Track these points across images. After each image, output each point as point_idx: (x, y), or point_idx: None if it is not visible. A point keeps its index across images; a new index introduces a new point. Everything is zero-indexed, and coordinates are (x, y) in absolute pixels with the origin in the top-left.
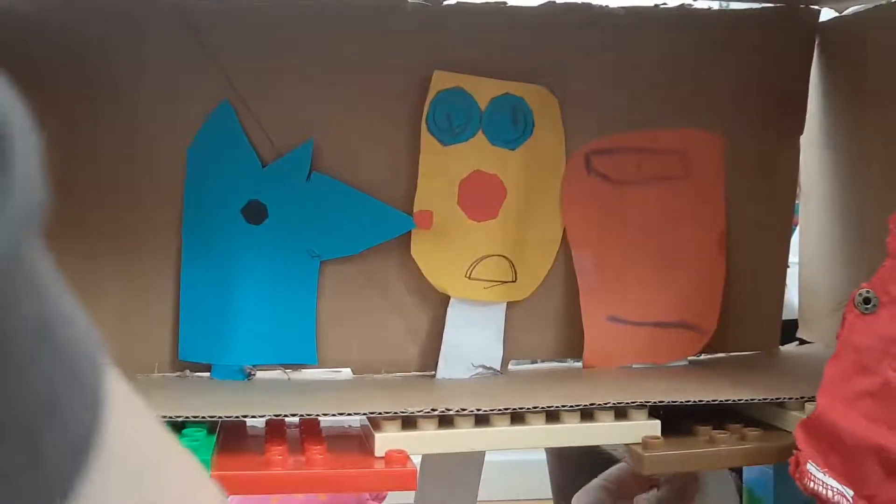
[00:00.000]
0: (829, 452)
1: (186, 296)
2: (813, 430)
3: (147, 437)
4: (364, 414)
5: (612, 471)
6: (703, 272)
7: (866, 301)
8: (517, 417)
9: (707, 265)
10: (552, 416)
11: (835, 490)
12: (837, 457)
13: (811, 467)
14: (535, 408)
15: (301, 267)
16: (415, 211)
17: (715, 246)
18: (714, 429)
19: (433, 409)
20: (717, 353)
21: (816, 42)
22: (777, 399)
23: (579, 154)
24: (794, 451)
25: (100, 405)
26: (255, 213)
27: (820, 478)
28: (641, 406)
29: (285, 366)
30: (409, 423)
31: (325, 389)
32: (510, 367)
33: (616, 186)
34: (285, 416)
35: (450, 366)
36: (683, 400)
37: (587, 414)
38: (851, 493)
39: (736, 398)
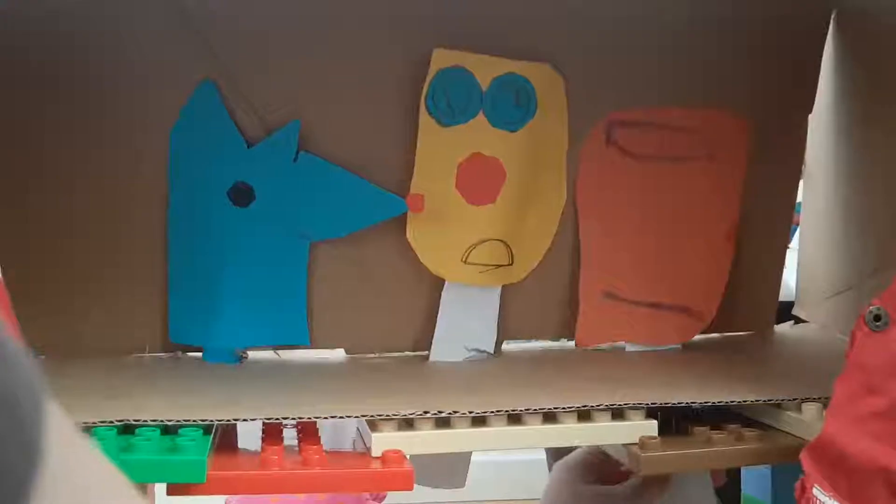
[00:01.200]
0: (835, 475)
1: (175, 278)
2: (819, 453)
3: (91, 476)
4: (360, 417)
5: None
6: (708, 260)
7: (877, 318)
8: (514, 418)
9: (713, 253)
10: (549, 416)
11: None
12: (844, 479)
13: (817, 492)
14: (531, 409)
15: (290, 248)
16: (408, 194)
17: (724, 236)
18: (711, 429)
19: (427, 412)
20: (710, 333)
21: (832, 21)
22: (775, 401)
23: (602, 124)
24: (800, 476)
25: (38, 448)
26: (241, 194)
27: (826, 502)
28: (638, 407)
29: (277, 347)
30: (405, 422)
31: (320, 380)
32: (504, 347)
33: (634, 160)
34: (281, 419)
35: (443, 349)
36: (681, 402)
37: (584, 414)
38: None
39: (734, 399)
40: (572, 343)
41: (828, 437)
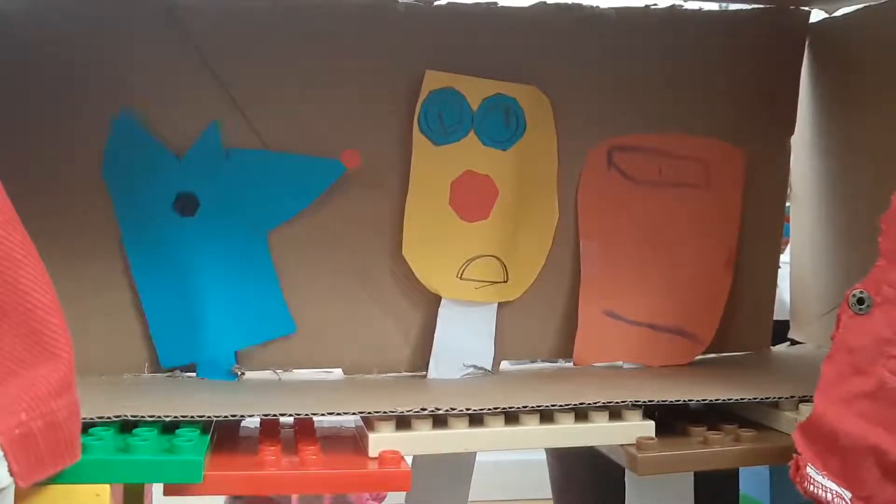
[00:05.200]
0: (827, 455)
1: (148, 304)
2: (811, 432)
3: None
4: (357, 413)
5: None
6: (706, 285)
7: (860, 301)
8: (511, 418)
9: (712, 279)
10: (546, 416)
11: (833, 492)
12: (835, 459)
13: (811, 470)
14: (525, 407)
15: (248, 243)
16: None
17: (722, 263)
18: (708, 430)
19: (423, 409)
20: (707, 353)
21: (807, 43)
22: (772, 399)
23: (601, 147)
24: (794, 455)
25: None
26: (186, 204)
27: (819, 480)
28: (636, 406)
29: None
30: (403, 423)
31: (318, 390)
32: (501, 367)
33: (634, 184)
34: (278, 415)
35: (441, 366)
36: (678, 399)
37: (581, 415)
38: (849, 494)
39: (730, 397)
40: (569, 364)
41: (818, 417)
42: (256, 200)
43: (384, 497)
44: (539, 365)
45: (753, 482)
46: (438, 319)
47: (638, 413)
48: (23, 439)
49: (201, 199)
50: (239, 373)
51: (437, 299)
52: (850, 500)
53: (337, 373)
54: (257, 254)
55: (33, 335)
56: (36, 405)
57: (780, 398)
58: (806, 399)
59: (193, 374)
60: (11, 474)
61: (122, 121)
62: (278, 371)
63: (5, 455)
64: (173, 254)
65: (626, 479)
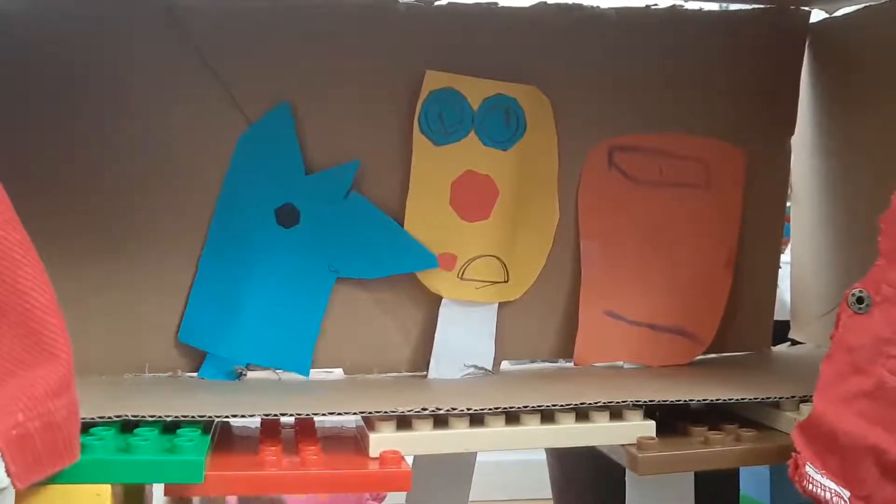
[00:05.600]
0: (826, 454)
1: (201, 279)
2: (810, 431)
3: None
4: (357, 413)
5: None
6: (707, 285)
7: (859, 301)
8: (512, 418)
9: (712, 280)
10: (547, 417)
11: (832, 491)
12: (834, 458)
13: (810, 469)
14: (526, 407)
15: (318, 279)
16: (438, 253)
17: (723, 263)
18: (709, 430)
19: (424, 409)
20: (708, 353)
21: (807, 43)
22: (772, 398)
23: (602, 147)
24: (793, 454)
25: None
26: (288, 216)
27: (818, 479)
28: (636, 406)
29: (275, 370)
30: (404, 423)
31: (318, 390)
32: (502, 367)
33: (635, 184)
34: (279, 415)
35: (442, 366)
36: (679, 399)
37: (582, 415)
38: (848, 493)
39: (731, 397)
40: (570, 364)
41: (817, 416)
42: (350, 249)
43: (384, 497)
44: (539, 365)
45: (753, 482)
46: (439, 319)
47: (639, 413)
48: (20, 440)
49: (303, 219)
50: (241, 372)
51: (437, 299)
52: (849, 499)
53: (337, 373)
54: (319, 293)
55: (32, 335)
56: (33, 406)
57: (780, 398)
58: (806, 399)
59: (194, 375)
60: (9, 475)
61: (281, 108)
62: (278, 371)
63: (3, 456)
64: (250, 250)
65: (626, 479)
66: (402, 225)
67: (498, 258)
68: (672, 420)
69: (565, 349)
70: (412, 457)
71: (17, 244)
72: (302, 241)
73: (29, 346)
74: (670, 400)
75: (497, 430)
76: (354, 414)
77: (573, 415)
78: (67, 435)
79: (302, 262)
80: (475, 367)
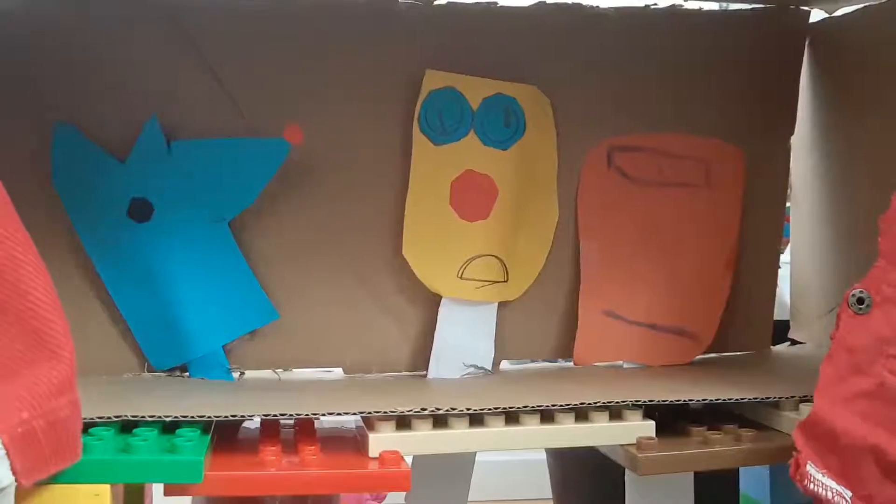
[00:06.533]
0: (827, 453)
1: (126, 311)
2: (811, 431)
3: None
4: (357, 413)
5: None
6: (707, 285)
7: (860, 301)
8: (511, 418)
9: (712, 280)
10: (546, 417)
11: (834, 491)
12: (835, 458)
13: (811, 468)
14: (526, 407)
15: (211, 236)
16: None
17: (722, 263)
18: (708, 430)
19: (423, 409)
20: (708, 353)
21: (807, 43)
22: (772, 398)
23: (601, 147)
24: (794, 453)
25: None
26: (140, 209)
27: (819, 479)
28: (636, 406)
29: (253, 334)
30: (403, 423)
31: (318, 390)
32: (501, 366)
33: (634, 185)
34: (279, 415)
35: (441, 365)
36: (678, 399)
37: (581, 415)
38: (850, 493)
39: (731, 397)
40: (570, 364)
41: (817, 416)
42: (209, 191)
43: (384, 497)
44: (539, 365)
45: (753, 482)
46: (439, 319)
47: (638, 413)
48: (25, 438)
49: (154, 200)
50: (239, 373)
51: (437, 299)
52: (851, 499)
53: (337, 372)
54: (222, 245)
55: (34, 334)
56: (38, 404)
57: (780, 398)
58: (806, 399)
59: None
60: (14, 473)
61: (62, 131)
62: (278, 371)
63: (7, 453)
64: (139, 259)
65: (626, 479)
66: (402, 226)
67: (497, 258)
68: (672, 420)
69: (565, 349)
70: (411, 457)
71: (19, 243)
72: (171, 219)
73: (31, 344)
74: (670, 400)
75: (496, 430)
76: (354, 414)
77: (573, 415)
78: (70, 433)
79: (186, 235)
80: (475, 366)
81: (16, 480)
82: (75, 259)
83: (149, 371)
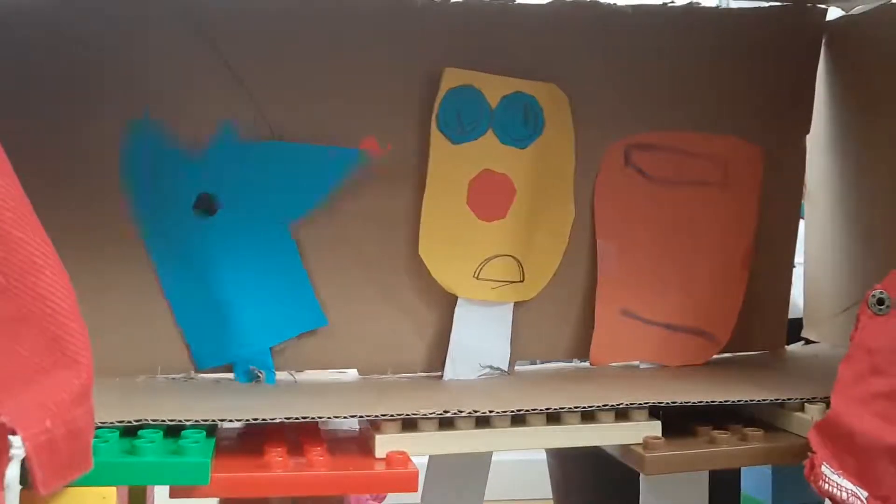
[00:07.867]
0: (843, 454)
1: (178, 308)
2: (827, 431)
3: None
4: (362, 416)
5: None
6: (723, 284)
7: (880, 302)
8: (518, 418)
9: (729, 279)
10: (553, 417)
11: (849, 491)
12: (851, 458)
13: (826, 469)
14: (535, 410)
15: (273, 237)
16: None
17: (739, 262)
18: (715, 429)
19: (433, 412)
20: (722, 353)
21: (823, 41)
22: (779, 400)
23: (619, 145)
24: (809, 454)
25: None
26: (206, 204)
27: (834, 479)
28: (642, 407)
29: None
30: (409, 424)
31: (331, 391)
32: (517, 367)
33: (652, 183)
34: (284, 419)
35: (457, 366)
36: (686, 401)
37: (588, 415)
38: (866, 494)
39: (738, 399)
40: (586, 364)
41: (834, 416)
42: (276, 193)
43: (384, 497)
44: (555, 365)
45: (755, 482)
46: (454, 319)
47: (644, 413)
48: (47, 446)
49: (222, 197)
50: (256, 374)
51: (453, 299)
52: (867, 499)
53: (352, 373)
54: (282, 247)
55: (54, 341)
56: (60, 412)
57: (787, 399)
58: (812, 400)
59: (206, 377)
60: (34, 481)
61: (141, 123)
62: (293, 372)
63: (30, 461)
64: (199, 255)
65: (640, 479)
66: (418, 225)
67: (514, 258)
68: (678, 419)
69: (581, 349)
70: (427, 457)
71: (39, 248)
72: (236, 218)
73: (51, 351)
74: (679, 402)
75: (503, 430)
76: (361, 417)
77: (579, 415)
78: (86, 443)
79: (249, 234)
80: (491, 367)
81: (34, 488)
82: (91, 261)
83: (162, 374)
